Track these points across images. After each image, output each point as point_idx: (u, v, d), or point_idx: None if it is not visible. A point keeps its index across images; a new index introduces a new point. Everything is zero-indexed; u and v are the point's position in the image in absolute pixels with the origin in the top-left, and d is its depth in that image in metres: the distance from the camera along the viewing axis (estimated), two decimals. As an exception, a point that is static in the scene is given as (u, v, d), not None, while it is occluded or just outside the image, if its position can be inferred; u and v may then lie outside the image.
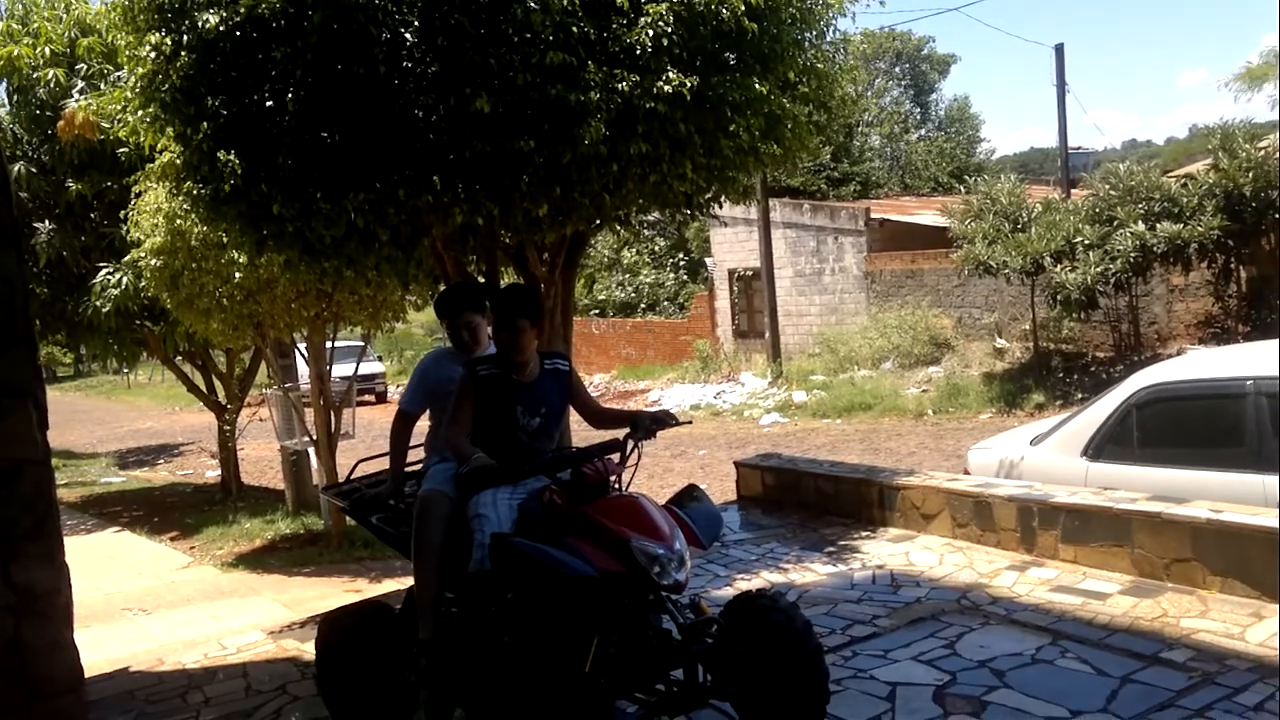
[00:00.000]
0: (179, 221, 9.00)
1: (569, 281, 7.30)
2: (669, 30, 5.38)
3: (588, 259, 28.94)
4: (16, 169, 11.92)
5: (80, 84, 11.69)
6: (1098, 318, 16.81)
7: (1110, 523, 5.58)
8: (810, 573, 6.15)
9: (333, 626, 4.58)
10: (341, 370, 12.41)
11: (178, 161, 6.30)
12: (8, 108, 12.94)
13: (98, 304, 11.91)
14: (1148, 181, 15.82)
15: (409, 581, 7.71)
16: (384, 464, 4.89)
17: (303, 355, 11.89)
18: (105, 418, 34.23)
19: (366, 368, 23.06)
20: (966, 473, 7.15)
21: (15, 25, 12.20)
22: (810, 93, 6.46)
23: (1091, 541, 5.67)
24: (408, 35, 5.37)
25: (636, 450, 4.06)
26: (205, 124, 5.74)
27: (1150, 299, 17.37)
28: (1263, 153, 15.20)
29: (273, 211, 5.75)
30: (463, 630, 3.95)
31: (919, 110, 43.24)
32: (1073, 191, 20.98)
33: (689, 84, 5.40)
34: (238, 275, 9.15)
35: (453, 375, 4.23)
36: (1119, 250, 15.08)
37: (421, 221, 6.03)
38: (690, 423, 5.27)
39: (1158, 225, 14.99)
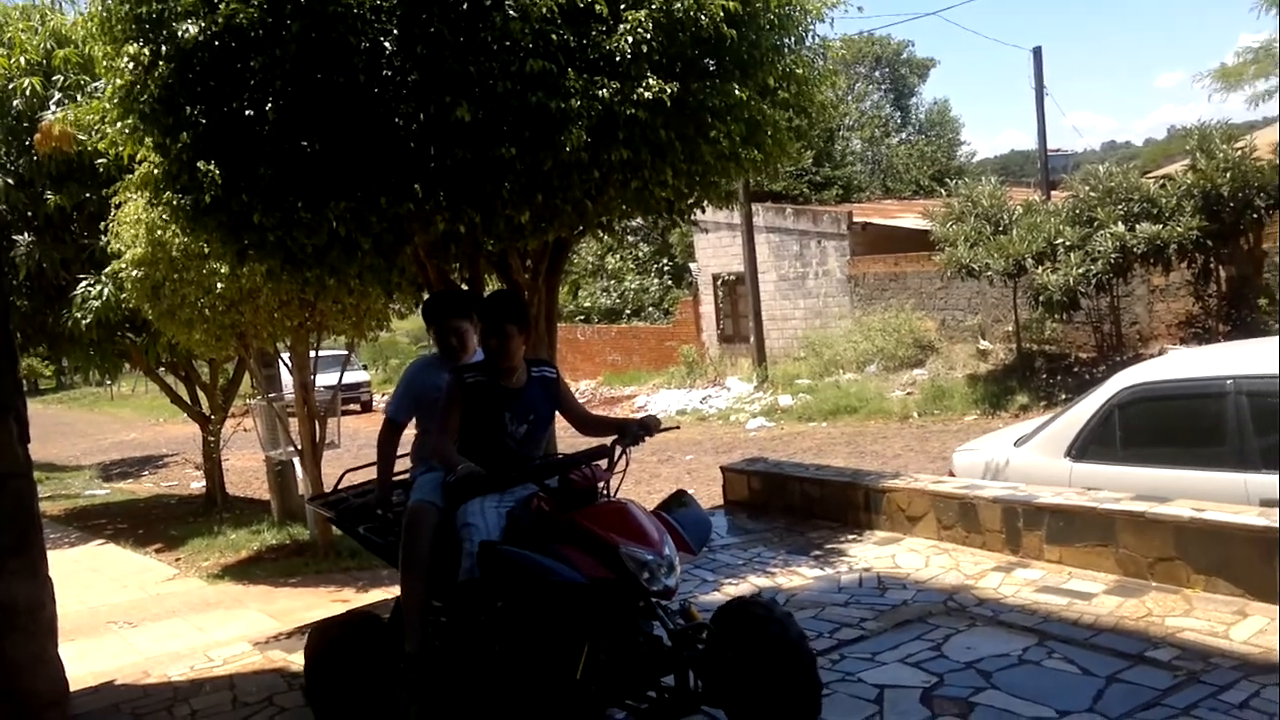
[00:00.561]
0: (159, 232, 8.94)
1: (553, 288, 7.30)
2: (648, 37, 5.39)
3: (571, 265, 28.95)
4: (-6, 181, 11.85)
5: (57, 95, 11.62)
6: (1080, 319, 16.91)
7: (1094, 523, 5.60)
8: (797, 576, 6.15)
9: (322, 637, 4.55)
10: (326, 379, 12.36)
11: (157, 172, 6.26)
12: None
13: (79, 316, 11.82)
14: (1127, 183, 15.94)
15: (397, 591, 7.67)
16: (372, 473, 4.88)
17: (286, 365, 11.84)
18: (88, 430, 34.01)
19: (351, 377, 23.02)
20: (952, 474, 7.18)
21: (-10, 36, 12.12)
22: (790, 98, 6.47)
23: (1076, 542, 5.70)
24: (387, 44, 5.37)
25: (624, 456, 4.06)
26: (184, 134, 5.71)
27: (1131, 299, 17.48)
28: (1239, 153, 15.32)
29: (253, 221, 5.72)
30: (452, 640, 3.94)
31: (899, 114, 43.41)
32: (1053, 193, 21.11)
33: (669, 90, 5.41)
34: (219, 285, 9.10)
35: (440, 383, 4.23)
36: (1099, 251, 15.17)
37: (404, 229, 6.01)
38: (678, 428, 5.26)
39: (1137, 226, 15.09)
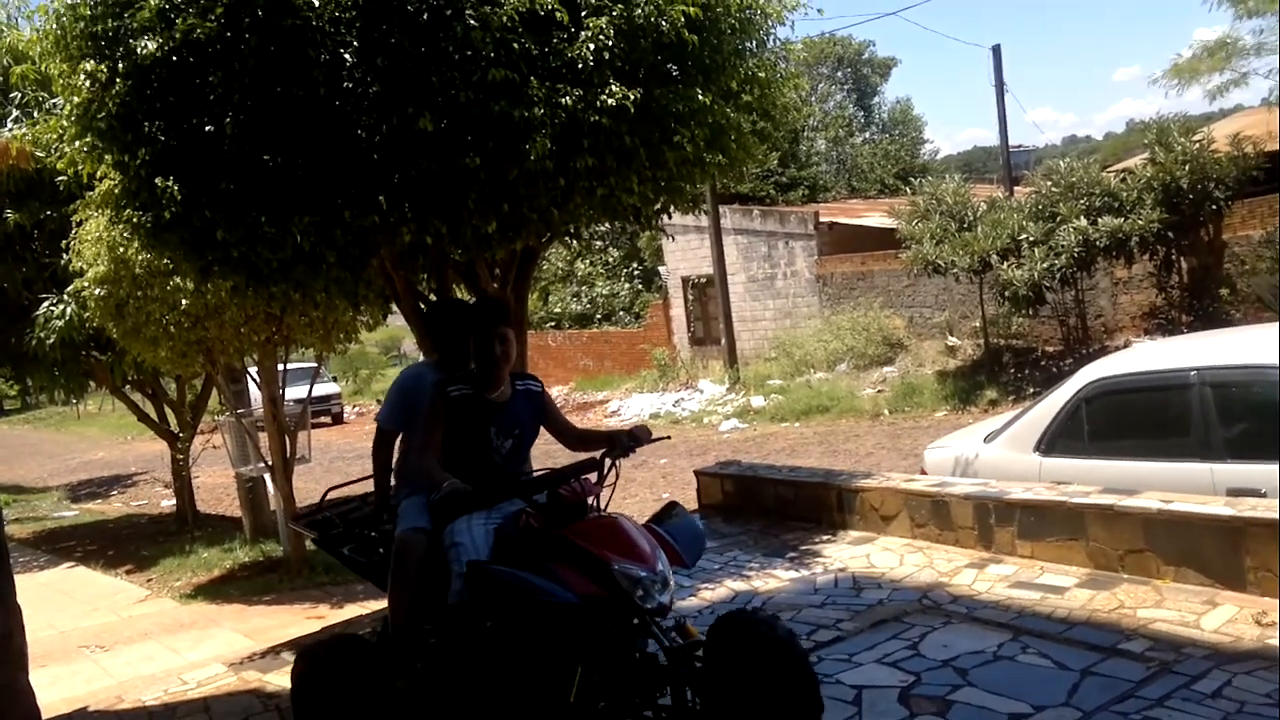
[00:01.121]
0: (121, 250, 8.84)
1: (522, 297, 7.27)
2: (610, 44, 5.39)
3: (541, 272, 28.90)
4: (-49, 202, 11.68)
5: (15, 112, 11.47)
6: (1045, 313, 17.05)
7: (1065, 517, 5.65)
8: (773, 579, 6.16)
9: (308, 661, 4.45)
10: (295, 393, 12.26)
11: (117, 190, 6.20)
12: (-60, 139, 12.64)
13: (42, 335, 11.66)
14: (1088, 177, 16.10)
15: (372, 605, 7.62)
16: (357, 489, 4.82)
17: (254, 380, 11.74)
18: (55, 450, 33.56)
19: (321, 389, 22.83)
20: (923, 472, 7.22)
21: (-55, 54, 11.95)
22: (753, 101, 6.49)
23: (1047, 536, 5.74)
24: (347, 56, 5.33)
25: (614, 469, 3.98)
26: (144, 151, 5.65)
27: (1096, 292, 17.66)
28: (1197, 146, 15.52)
29: (217, 237, 5.67)
30: (443, 663, 3.84)
31: (863, 113, 43.68)
32: (1016, 189, 21.31)
33: (632, 97, 5.40)
34: (184, 302, 9.01)
35: None
36: (1063, 246, 15.31)
37: (369, 242, 5.98)
38: (669, 438, 5.17)
39: (1099, 220, 15.25)
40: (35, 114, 10.71)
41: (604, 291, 33.16)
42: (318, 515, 4.87)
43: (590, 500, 3.73)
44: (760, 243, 24.15)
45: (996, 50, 23.24)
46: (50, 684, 7.50)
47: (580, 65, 5.41)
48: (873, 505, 6.80)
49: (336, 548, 4.60)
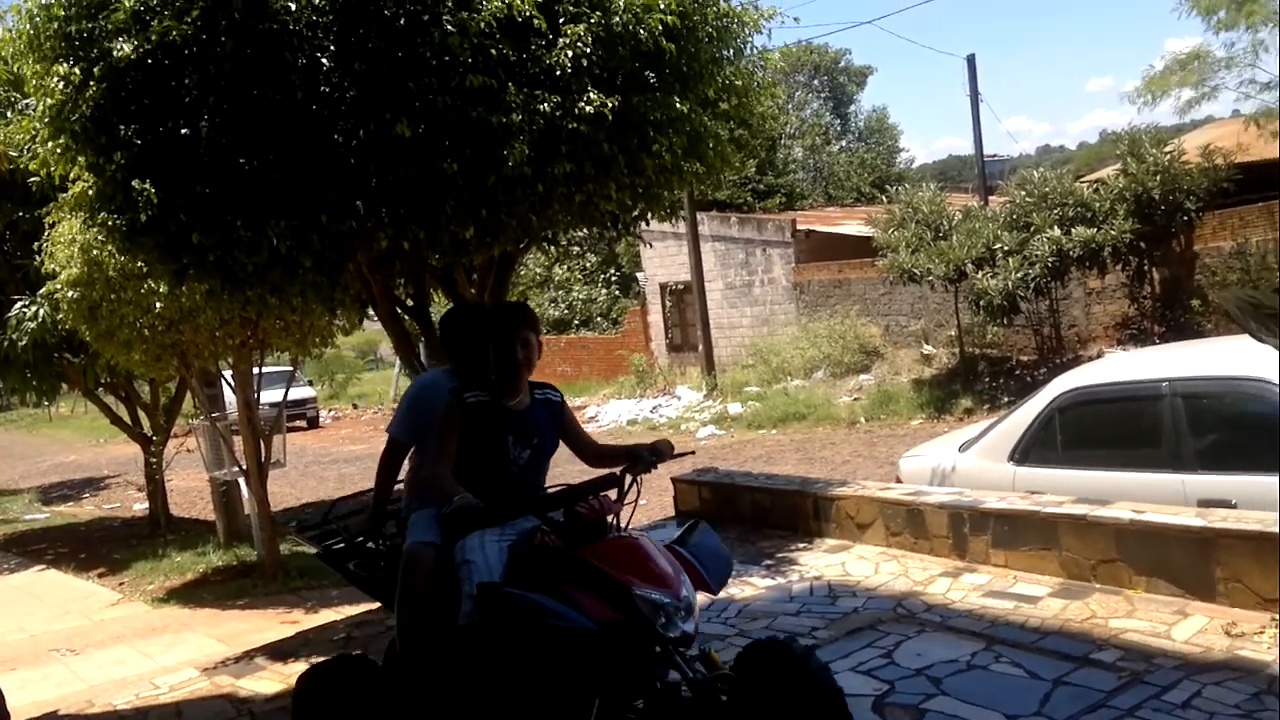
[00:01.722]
0: (95, 252, 8.76)
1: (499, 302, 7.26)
2: (588, 51, 5.39)
3: (518, 277, 28.83)
4: (-78, 201, 11.54)
5: (-13, 113, 11.34)
6: (1020, 322, 17.18)
7: (1038, 526, 5.69)
8: (749, 586, 6.17)
9: (311, 680, 4.26)
10: (270, 396, 12.19)
11: (91, 192, 6.12)
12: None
13: (14, 337, 11.55)
14: (1061, 187, 16.25)
15: (347, 611, 7.54)
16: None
17: (229, 383, 11.65)
18: (26, 452, 33.21)
19: (296, 393, 22.73)
20: (899, 480, 7.25)
21: (-84, 52, 11.80)
22: (731, 110, 6.51)
23: (1021, 546, 5.78)
24: (324, 60, 5.30)
25: (636, 486, 3.79)
26: (118, 154, 5.59)
27: (1069, 302, 17.82)
28: (1169, 157, 15.68)
29: (192, 241, 5.62)
30: (452, 688, 3.64)
31: (839, 121, 43.95)
32: (990, 198, 21.47)
33: (610, 104, 5.41)
34: (158, 305, 8.93)
35: None
36: (1037, 255, 15.44)
37: (346, 247, 5.95)
38: (693, 453, 4.78)
39: (1073, 230, 15.38)
40: (8, 114, 10.59)
41: (581, 297, 33.17)
42: (324, 526, 4.65)
43: (610, 519, 3.52)
44: (738, 250, 24.21)
45: (971, 60, 23.52)
46: (20, 687, 7.41)
47: (558, 72, 5.40)
48: (848, 513, 6.82)
49: (340, 563, 4.43)
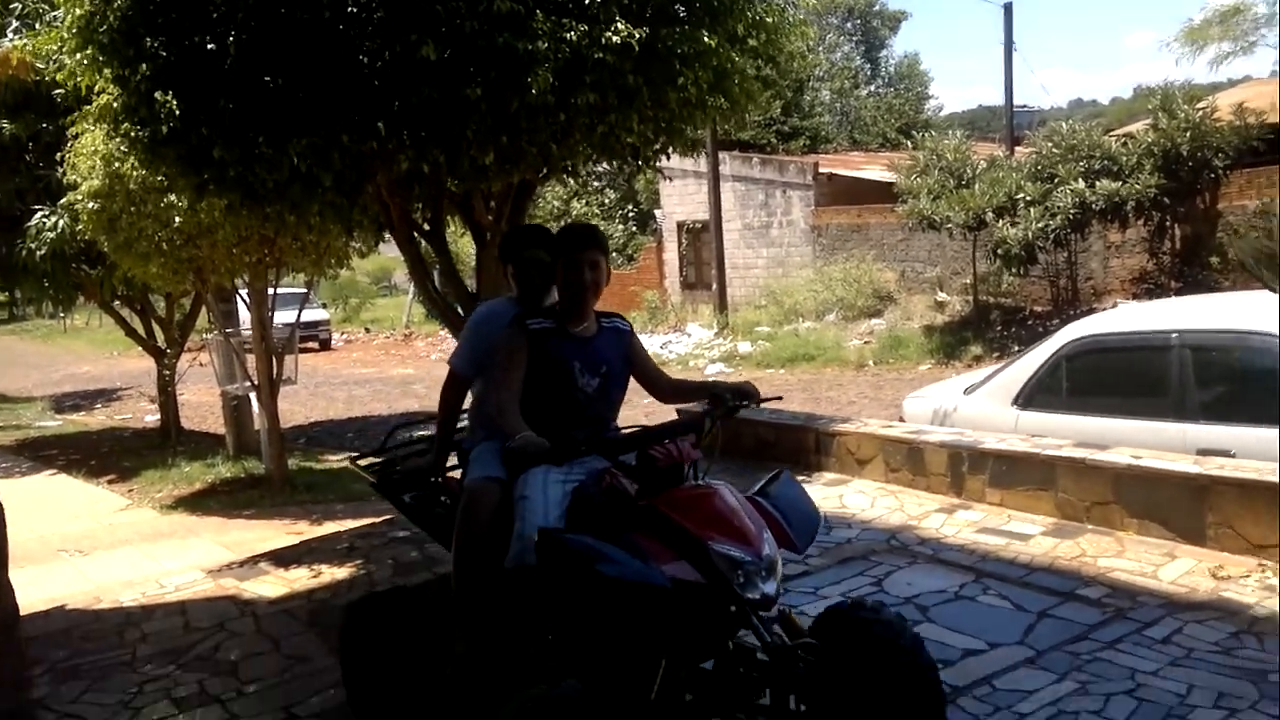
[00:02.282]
0: (117, 164, 8.82)
1: (516, 230, 7.30)
2: (617, -20, 5.38)
3: (536, 210, 28.75)
4: (-53, 109, 11.60)
5: (15, 23, 11.34)
6: (1036, 273, 17.15)
7: (1036, 467, 5.80)
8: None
9: (358, 613, 4.10)
10: (284, 317, 12.31)
11: (115, 104, 6.17)
12: (-63, 46, 12.50)
13: (33, 247, 11.65)
14: (1089, 140, 16.12)
15: (350, 524, 7.64)
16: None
17: (244, 301, 11.77)
18: (41, 362, 33.54)
19: (310, 315, 22.82)
20: (902, 420, 7.35)
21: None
22: (759, 46, 6.47)
23: (1018, 485, 5.90)
24: (352, -21, 5.32)
25: (716, 430, 3.49)
26: (144, 66, 5.63)
27: (1088, 255, 17.75)
28: (1200, 114, 15.50)
29: (213, 155, 5.67)
30: (508, 633, 3.42)
31: (869, 66, 43.24)
32: (1017, 149, 21.26)
33: (638, 35, 5.39)
34: (178, 220, 9.01)
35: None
36: (1059, 207, 15.37)
37: (366, 168, 6.00)
38: (780, 398, 4.41)
39: (1097, 183, 15.29)
40: (36, 25, 10.60)
41: (598, 232, 33.02)
42: (381, 455, 4.44)
43: (687, 466, 3.17)
44: (758, 190, 24.10)
45: (1008, 8, 23.10)
46: (29, 584, 7.58)
47: (587, 1, 5.41)
48: (849, 449, 6.94)
49: (396, 494, 4.24)
